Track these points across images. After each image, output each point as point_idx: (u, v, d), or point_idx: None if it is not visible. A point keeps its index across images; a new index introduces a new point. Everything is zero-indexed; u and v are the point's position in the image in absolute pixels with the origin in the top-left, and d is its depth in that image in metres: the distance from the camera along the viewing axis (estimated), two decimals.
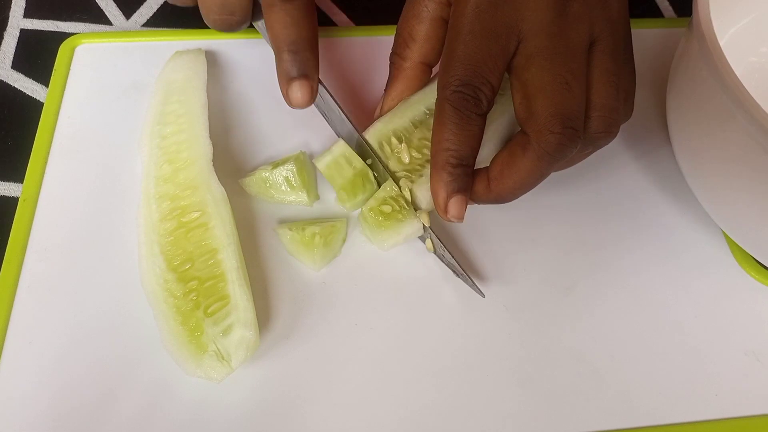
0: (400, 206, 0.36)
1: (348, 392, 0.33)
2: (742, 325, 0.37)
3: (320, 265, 0.36)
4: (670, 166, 0.42)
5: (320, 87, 0.37)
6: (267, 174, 0.38)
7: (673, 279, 0.38)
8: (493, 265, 0.38)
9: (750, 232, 0.34)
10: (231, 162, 0.40)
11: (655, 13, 0.52)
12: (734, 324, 0.37)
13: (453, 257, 0.36)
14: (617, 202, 0.41)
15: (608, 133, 0.33)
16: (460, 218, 0.33)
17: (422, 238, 0.38)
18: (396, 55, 0.38)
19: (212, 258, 0.34)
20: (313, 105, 0.36)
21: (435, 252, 0.38)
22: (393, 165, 0.37)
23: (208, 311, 0.33)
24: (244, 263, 0.35)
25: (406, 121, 0.38)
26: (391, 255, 0.38)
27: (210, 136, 0.39)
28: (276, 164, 0.38)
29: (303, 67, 0.34)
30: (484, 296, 0.36)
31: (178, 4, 0.39)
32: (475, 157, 0.33)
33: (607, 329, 0.36)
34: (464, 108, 0.32)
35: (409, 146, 0.37)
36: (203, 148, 0.38)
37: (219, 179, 0.37)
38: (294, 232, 0.36)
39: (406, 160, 0.37)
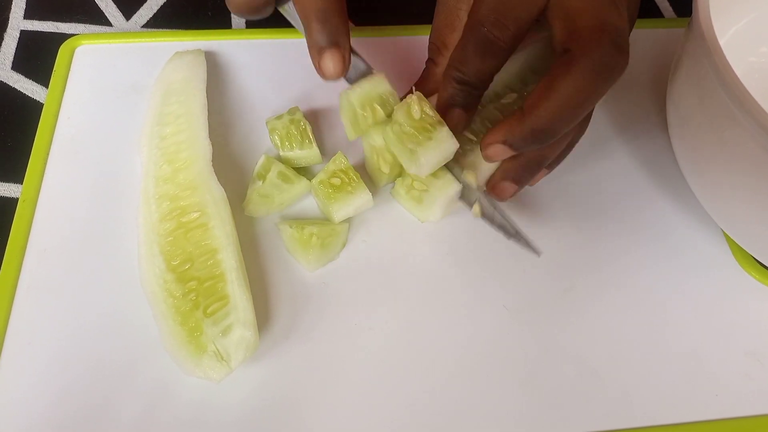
0: (349, 179, 0.37)
1: (347, 392, 0.33)
2: (743, 325, 0.37)
3: (315, 266, 0.36)
4: (670, 165, 0.42)
5: (353, 57, 0.36)
6: (259, 186, 0.38)
7: (673, 279, 0.38)
8: (493, 265, 0.38)
9: (750, 232, 0.34)
10: (230, 162, 0.40)
11: (655, 13, 0.52)
12: (734, 324, 0.37)
13: (504, 217, 0.36)
14: (617, 201, 0.41)
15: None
16: (457, 128, 0.34)
17: (469, 203, 0.37)
18: (429, 61, 0.38)
19: (211, 258, 0.34)
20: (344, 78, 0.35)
21: (483, 215, 0.37)
22: (400, 117, 0.35)
23: (208, 311, 0.33)
24: (244, 264, 0.35)
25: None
26: (391, 257, 0.38)
27: (209, 137, 0.39)
28: (260, 175, 0.39)
29: (333, 35, 0.34)
30: (539, 254, 0.36)
31: None
32: (483, 88, 0.34)
33: (606, 329, 0.36)
34: (485, 44, 0.32)
35: (421, 103, 0.35)
36: (203, 149, 0.38)
37: (218, 180, 0.37)
38: (294, 229, 0.36)
39: (417, 115, 0.35)
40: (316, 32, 0.33)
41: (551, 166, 0.37)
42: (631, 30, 0.33)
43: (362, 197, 0.37)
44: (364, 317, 0.36)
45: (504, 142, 0.32)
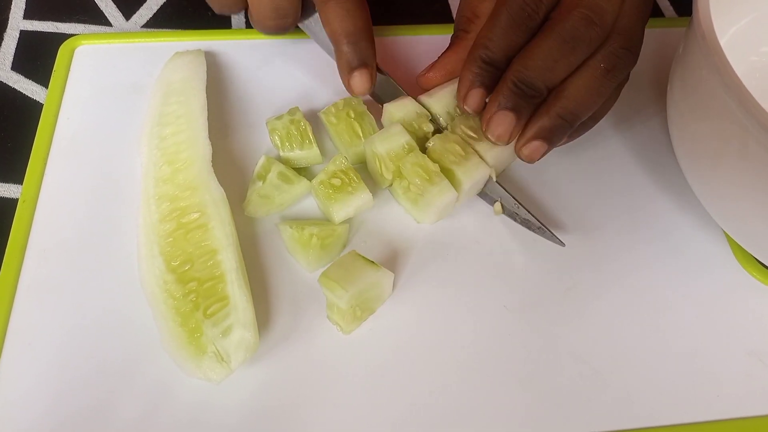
0: (349, 179, 0.37)
1: (347, 393, 0.33)
2: (744, 325, 0.37)
3: (314, 266, 0.36)
4: (670, 164, 0.42)
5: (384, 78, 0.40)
6: (259, 187, 0.38)
7: (674, 279, 0.38)
8: (493, 265, 0.38)
9: (751, 232, 0.34)
10: (230, 163, 0.40)
11: (656, 12, 0.52)
12: (736, 324, 0.37)
13: (529, 212, 0.37)
14: (617, 200, 0.41)
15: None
16: (477, 109, 0.36)
17: (489, 201, 0.39)
18: (461, 31, 0.39)
19: (211, 259, 0.34)
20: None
21: (505, 212, 0.39)
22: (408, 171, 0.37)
23: (208, 312, 0.33)
24: (244, 264, 0.35)
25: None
26: (391, 257, 0.38)
27: (209, 137, 0.39)
28: (259, 175, 0.39)
29: (362, 56, 0.37)
30: (564, 245, 0.37)
31: (225, 13, 0.40)
32: (506, 65, 0.35)
33: (607, 329, 0.36)
34: (519, 18, 0.35)
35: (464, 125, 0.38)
36: (202, 149, 0.38)
37: (218, 180, 0.37)
38: (294, 230, 0.36)
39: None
40: (348, 54, 0.37)
41: (584, 129, 0.39)
42: (644, 23, 0.37)
43: (363, 197, 0.37)
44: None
45: (499, 107, 0.35)
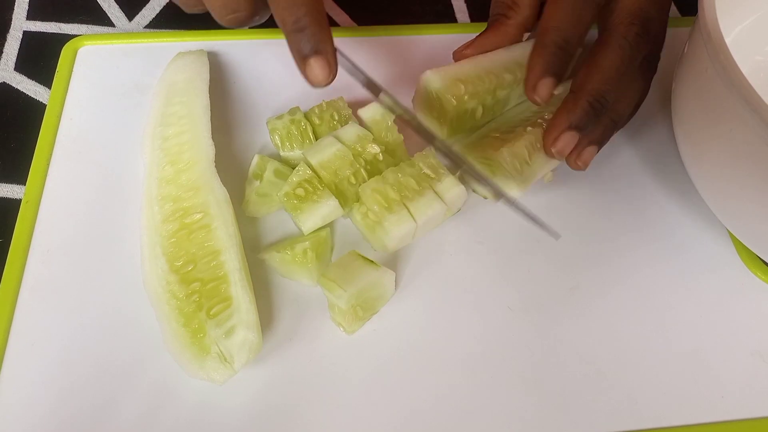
0: (314, 188, 0.36)
1: (351, 394, 0.33)
2: (748, 325, 0.36)
3: (317, 278, 0.36)
4: (675, 164, 0.42)
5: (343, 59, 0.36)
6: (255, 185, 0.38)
7: (678, 278, 0.38)
8: (497, 265, 0.38)
9: (756, 231, 0.34)
10: (233, 163, 0.40)
11: None
12: (740, 324, 0.36)
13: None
14: (621, 200, 0.41)
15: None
16: (547, 100, 0.34)
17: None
18: (500, 15, 0.39)
19: (215, 259, 0.34)
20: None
21: (502, 199, 0.37)
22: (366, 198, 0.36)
23: (211, 313, 0.33)
24: (247, 265, 0.35)
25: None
26: (392, 257, 0.38)
27: (212, 137, 0.39)
28: (256, 175, 0.38)
29: (312, 42, 0.33)
30: (559, 237, 0.37)
31: (195, 11, 0.39)
32: (578, 46, 0.35)
33: (611, 329, 0.36)
34: (592, 3, 0.34)
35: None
36: (205, 150, 0.38)
37: (221, 180, 0.37)
38: (282, 253, 0.35)
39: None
40: (296, 42, 0.33)
41: (624, 123, 0.39)
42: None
43: (329, 205, 0.36)
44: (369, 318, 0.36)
45: (569, 127, 0.35)
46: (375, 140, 0.38)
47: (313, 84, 0.33)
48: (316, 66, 0.33)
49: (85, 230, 0.37)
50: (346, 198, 0.37)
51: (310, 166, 0.37)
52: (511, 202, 0.36)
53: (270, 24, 0.47)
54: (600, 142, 0.37)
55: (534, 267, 0.38)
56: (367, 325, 0.35)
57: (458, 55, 0.40)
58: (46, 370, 0.33)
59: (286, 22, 0.33)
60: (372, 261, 0.34)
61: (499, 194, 0.36)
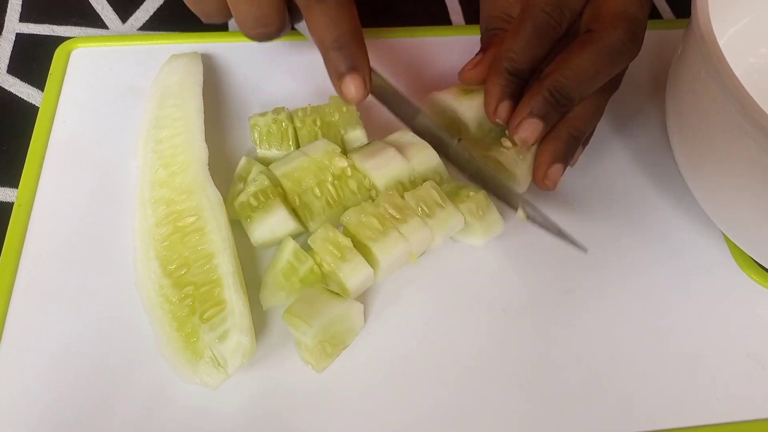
0: (266, 197, 0.35)
1: (346, 399, 0.33)
2: (743, 328, 0.36)
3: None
4: (669, 166, 0.42)
5: (378, 77, 0.38)
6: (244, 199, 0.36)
7: (673, 281, 0.38)
8: (493, 268, 0.38)
9: (750, 234, 0.34)
10: (225, 165, 0.40)
11: (654, 14, 0.52)
12: (735, 327, 0.36)
13: (545, 217, 0.36)
14: (616, 202, 0.41)
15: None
16: (505, 120, 0.36)
17: (513, 207, 0.37)
18: (497, 29, 0.39)
19: (208, 263, 0.34)
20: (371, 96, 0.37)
21: (528, 218, 0.37)
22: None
23: (204, 317, 0.32)
24: (240, 268, 0.35)
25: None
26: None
27: (206, 140, 0.38)
28: (240, 177, 0.38)
29: (350, 61, 0.35)
30: (586, 251, 0.36)
31: (212, 21, 0.39)
32: (530, 74, 0.37)
33: (607, 332, 0.36)
34: (544, 28, 0.36)
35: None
36: (199, 152, 0.38)
37: (214, 183, 0.37)
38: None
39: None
40: (334, 60, 0.35)
41: (586, 142, 0.39)
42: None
43: (277, 215, 0.35)
44: (370, 319, 0.35)
45: (530, 114, 0.35)
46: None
47: (347, 100, 0.36)
48: (352, 84, 0.35)
49: (77, 234, 0.37)
50: (311, 211, 0.36)
51: (272, 178, 0.36)
52: (537, 218, 0.37)
53: None
54: (564, 160, 0.37)
55: (529, 269, 0.38)
56: (363, 329, 0.35)
57: (465, 76, 0.40)
58: (39, 374, 0.33)
59: (324, 39, 0.35)
60: (338, 294, 0.33)
61: (523, 207, 0.37)
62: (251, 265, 0.37)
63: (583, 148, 0.39)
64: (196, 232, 0.35)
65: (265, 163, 0.39)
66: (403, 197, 0.36)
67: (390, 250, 0.34)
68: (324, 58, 0.36)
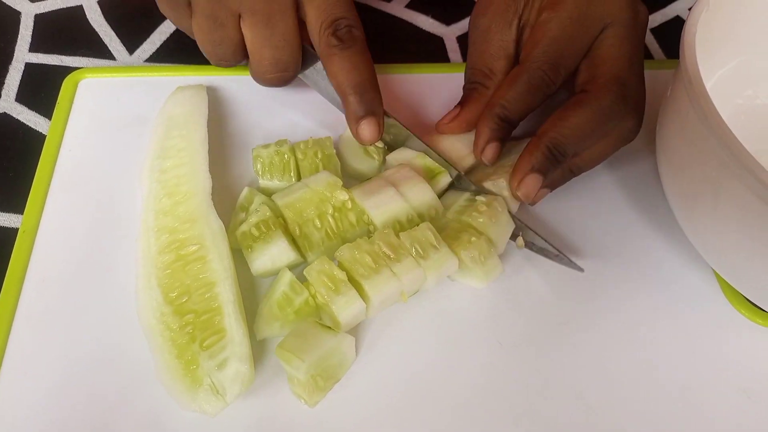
0: (267, 228, 0.36)
1: (344, 429, 0.33)
2: (734, 362, 0.37)
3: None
4: (660, 202, 0.42)
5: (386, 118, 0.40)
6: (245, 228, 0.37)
7: (664, 315, 0.38)
8: (488, 302, 0.38)
9: (739, 270, 0.35)
10: (229, 195, 0.41)
11: (645, 55, 0.53)
12: (726, 361, 0.37)
13: (545, 240, 0.38)
14: (607, 236, 0.41)
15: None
16: (492, 160, 0.39)
17: (512, 237, 0.39)
18: (479, 84, 0.41)
19: (209, 291, 0.34)
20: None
21: (525, 245, 0.39)
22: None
23: (204, 345, 0.33)
24: (241, 297, 0.35)
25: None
26: None
27: (209, 170, 0.39)
28: (242, 207, 0.39)
29: (369, 106, 0.38)
30: (582, 270, 0.38)
31: (221, 65, 0.41)
32: (519, 121, 0.39)
33: (601, 365, 0.36)
34: (538, 84, 0.38)
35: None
36: (203, 182, 0.38)
37: (217, 212, 0.37)
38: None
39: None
40: (354, 104, 0.38)
41: (577, 172, 0.41)
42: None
43: (278, 245, 0.36)
44: (362, 352, 0.36)
45: (531, 170, 0.37)
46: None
47: (363, 141, 0.39)
48: (367, 127, 0.38)
49: (80, 261, 0.38)
50: (310, 242, 0.37)
51: (273, 209, 0.37)
52: (535, 243, 0.39)
53: None
54: (552, 186, 0.39)
55: (524, 301, 0.38)
56: (360, 358, 0.35)
57: (442, 128, 0.42)
58: (39, 399, 0.33)
59: (344, 85, 0.38)
60: (329, 327, 0.34)
61: (523, 234, 0.39)
62: (251, 294, 0.37)
63: (573, 175, 0.40)
64: (197, 261, 0.35)
65: (267, 193, 0.39)
66: (398, 236, 0.36)
67: (381, 288, 0.34)
68: (343, 102, 0.38)
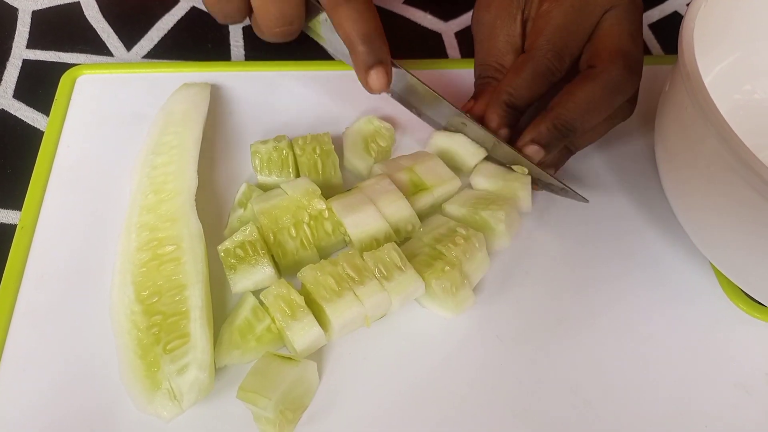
0: (254, 251, 0.35)
1: (335, 428, 0.33)
2: (730, 356, 0.37)
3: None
4: (658, 197, 0.42)
5: (400, 71, 0.40)
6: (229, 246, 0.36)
7: (662, 310, 0.38)
8: (487, 296, 0.38)
9: (736, 264, 0.35)
10: (227, 191, 0.41)
11: (644, 50, 0.53)
12: (723, 355, 0.37)
13: (552, 175, 0.40)
14: (606, 232, 0.41)
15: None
16: (506, 140, 0.40)
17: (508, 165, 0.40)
18: (491, 79, 0.42)
19: (179, 294, 0.34)
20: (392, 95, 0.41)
21: (533, 183, 0.40)
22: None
23: (167, 348, 0.32)
24: (211, 303, 0.34)
25: None
26: None
27: (203, 168, 0.39)
28: (241, 203, 0.39)
29: (378, 54, 0.38)
30: (587, 201, 0.40)
31: (228, 22, 0.41)
32: (525, 108, 0.40)
33: (598, 360, 0.36)
34: (543, 72, 0.38)
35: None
36: (189, 182, 0.38)
37: (210, 208, 0.37)
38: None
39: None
40: (363, 53, 0.37)
41: (574, 149, 0.42)
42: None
43: (264, 272, 0.35)
44: (358, 348, 0.36)
45: (532, 141, 0.38)
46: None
47: (372, 90, 0.39)
48: (377, 76, 0.38)
49: (79, 257, 0.38)
50: (284, 250, 0.36)
51: (255, 219, 0.37)
52: (541, 180, 0.40)
53: (268, 57, 0.48)
54: (555, 167, 0.41)
55: (522, 297, 0.38)
56: (356, 354, 0.35)
57: None
58: (38, 395, 0.33)
59: (352, 35, 0.37)
60: (289, 357, 0.32)
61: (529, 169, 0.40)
62: (222, 300, 0.36)
63: (571, 154, 0.42)
64: (172, 262, 0.35)
65: (266, 189, 0.39)
66: (363, 257, 0.35)
67: (343, 312, 0.33)
68: (351, 52, 0.38)
